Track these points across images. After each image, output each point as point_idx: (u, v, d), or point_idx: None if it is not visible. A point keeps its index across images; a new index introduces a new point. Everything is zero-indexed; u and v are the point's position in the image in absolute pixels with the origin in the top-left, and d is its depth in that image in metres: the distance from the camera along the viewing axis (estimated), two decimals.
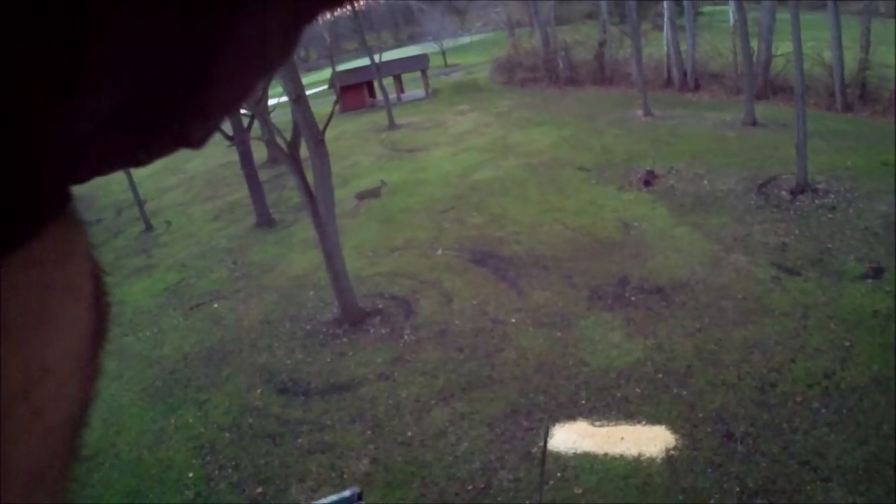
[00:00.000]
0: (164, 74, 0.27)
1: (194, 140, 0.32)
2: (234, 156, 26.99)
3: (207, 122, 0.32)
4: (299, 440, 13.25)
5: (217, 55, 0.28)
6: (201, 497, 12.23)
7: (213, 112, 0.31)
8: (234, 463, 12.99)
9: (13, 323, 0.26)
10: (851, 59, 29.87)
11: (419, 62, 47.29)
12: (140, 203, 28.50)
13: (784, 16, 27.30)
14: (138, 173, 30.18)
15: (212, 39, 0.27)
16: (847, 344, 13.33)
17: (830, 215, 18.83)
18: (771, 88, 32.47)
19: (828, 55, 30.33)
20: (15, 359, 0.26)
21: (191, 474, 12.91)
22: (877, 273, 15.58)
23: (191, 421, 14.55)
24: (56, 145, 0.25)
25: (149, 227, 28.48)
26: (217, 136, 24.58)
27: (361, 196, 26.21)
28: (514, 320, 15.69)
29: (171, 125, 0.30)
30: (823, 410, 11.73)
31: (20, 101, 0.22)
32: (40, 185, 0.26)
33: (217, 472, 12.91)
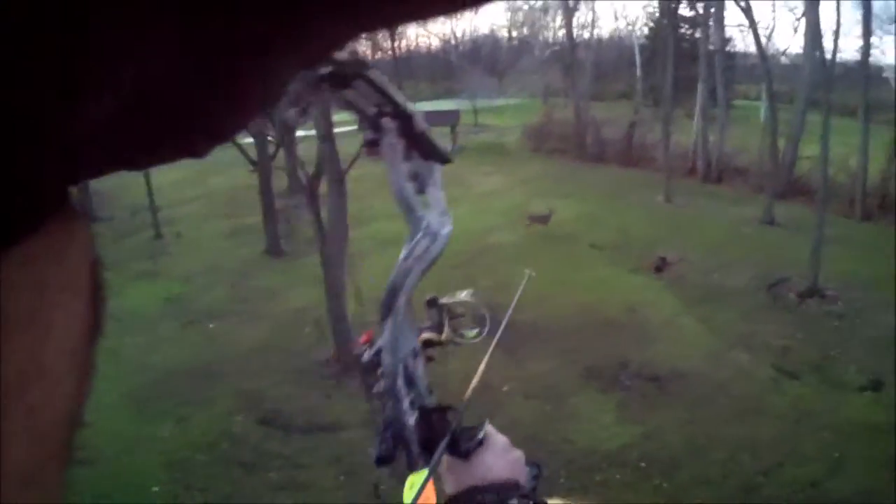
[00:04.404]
0: (167, 81, 0.27)
1: (199, 151, 0.32)
2: (256, 179, 27.10)
3: (211, 138, 0.31)
4: (271, 474, 13.10)
5: (220, 69, 0.28)
6: None
7: (217, 129, 0.31)
8: (202, 485, 12.84)
9: (10, 321, 0.26)
10: (876, 168, 29.97)
11: (450, 117, 47.30)
12: (154, 209, 28.66)
13: (815, 118, 27.44)
14: (160, 179, 30.43)
15: (215, 53, 0.26)
16: (837, 454, 13.15)
17: (837, 323, 18.73)
18: (793, 189, 32.47)
19: (853, 162, 30.39)
20: (11, 357, 0.26)
21: (156, 489, 12.77)
22: (876, 386, 15.43)
23: (167, 435, 14.42)
24: (55, 145, 0.25)
25: (159, 235, 28.61)
26: (241, 159, 24.89)
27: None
28: (505, 388, 15.54)
29: (174, 134, 0.30)
30: None
31: (20, 99, 0.22)
32: (38, 184, 0.26)
33: (184, 490, 12.78)
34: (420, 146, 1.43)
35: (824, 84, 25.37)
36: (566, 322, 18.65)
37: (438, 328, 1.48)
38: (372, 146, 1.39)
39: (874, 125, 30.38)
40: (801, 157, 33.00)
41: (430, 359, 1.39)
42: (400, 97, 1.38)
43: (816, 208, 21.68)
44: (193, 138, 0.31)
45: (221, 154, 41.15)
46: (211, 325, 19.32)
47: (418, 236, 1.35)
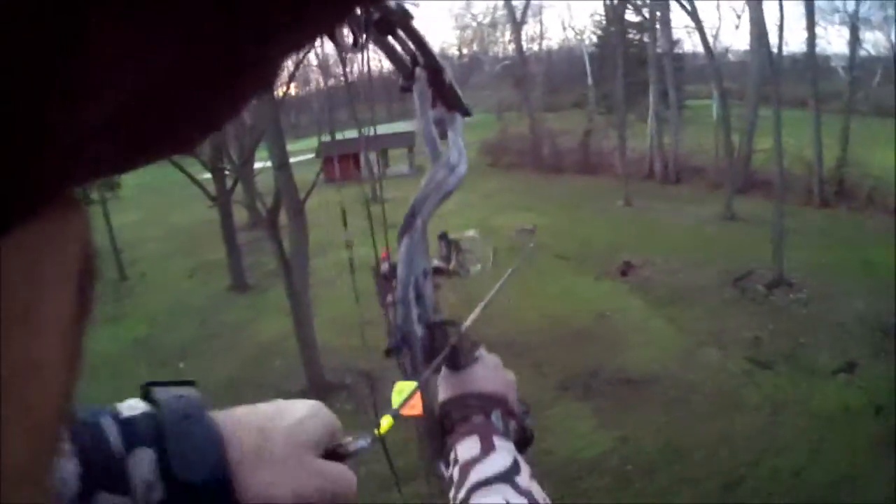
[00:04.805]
0: (168, 79, 0.26)
1: (194, 144, 0.31)
2: (217, 214, 26.85)
3: (207, 130, 0.31)
4: None
5: (221, 65, 0.27)
6: None
7: (214, 120, 0.31)
8: None
9: (6, 314, 0.25)
10: (831, 156, 30.39)
11: (407, 139, 47.40)
12: (116, 250, 28.43)
13: (767, 112, 27.78)
14: (120, 220, 30.15)
15: (216, 49, 0.26)
16: (816, 441, 13.21)
17: (805, 310, 18.92)
18: (751, 183, 32.81)
19: (808, 152, 30.81)
20: (7, 352, 0.25)
21: None
22: (849, 369, 15.56)
23: None
24: (56, 142, 0.24)
25: (123, 277, 28.35)
26: (201, 194, 24.68)
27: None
28: None
29: (173, 131, 0.30)
30: None
31: (22, 97, 0.22)
32: (38, 182, 0.25)
33: None
34: (446, 97, 1.58)
35: (773, 78, 25.70)
36: (537, 334, 18.61)
37: (446, 260, 1.64)
38: (404, 92, 1.53)
39: (825, 114, 30.86)
40: (757, 151, 33.41)
41: (436, 286, 1.54)
42: (434, 51, 1.51)
43: (775, 200, 21.90)
44: (191, 132, 0.31)
45: (179, 191, 40.94)
46: (181, 365, 19.06)
47: (438, 166, 1.52)
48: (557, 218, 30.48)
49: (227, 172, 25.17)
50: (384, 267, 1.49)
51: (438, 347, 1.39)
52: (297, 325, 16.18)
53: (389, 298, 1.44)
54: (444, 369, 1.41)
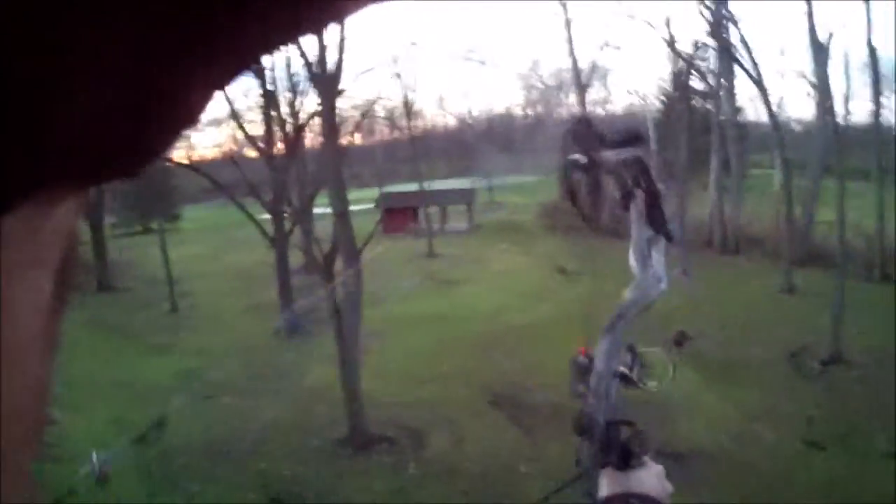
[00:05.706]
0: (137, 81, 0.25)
1: (137, 170, 0.30)
2: (273, 256, 27.16)
3: (144, 159, 0.30)
4: None
5: (170, 77, 0.26)
6: None
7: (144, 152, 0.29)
8: None
9: None
10: (893, 229, 29.75)
11: (466, 196, 47.69)
12: (171, 282, 29.17)
13: (829, 183, 27.40)
14: (178, 252, 30.80)
15: (163, 60, 0.25)
16: None
17: (861, 389, 18.41)
18: (811, 255, 32.20)
19: (869, 224, 30.18)
20: None
21: None
22: None
23: None
24: (43, 139, 0.24)
25: (175, 308, 28.94)
26: (259, 235, 25.01)
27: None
28: (523, 469, 15.23)
29: (140, 138, 0.29)
30: None
31: (9, 95, 0.22)
32: (24, 176, 0.25)
33: None
34: (656, 220, 1.74)
35: (837, 149, 25.36)
36: None
37: (630, 369, 1.72)
38: (622, 210, 1.73)
39: (889, 187, 30.27)
40: (817, 223, 32.87)
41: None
42: (654, 176, 1.70)
43: (835, 274, 21.50)
44: (164, 135, 0.29)
45: (238, 231, 41.57)
46: (226, 400, 19.16)
47: (647, 279, 1.71)
48: (614, 283, 29.97)
49: (286, 215, 25.48)
50: (583, 361, 1.64)
51: (612, 443, 1.52)
52: (343, 374, 16.20)
53: (580, 388, 1.60)
54: (609, 467, 1.51)
